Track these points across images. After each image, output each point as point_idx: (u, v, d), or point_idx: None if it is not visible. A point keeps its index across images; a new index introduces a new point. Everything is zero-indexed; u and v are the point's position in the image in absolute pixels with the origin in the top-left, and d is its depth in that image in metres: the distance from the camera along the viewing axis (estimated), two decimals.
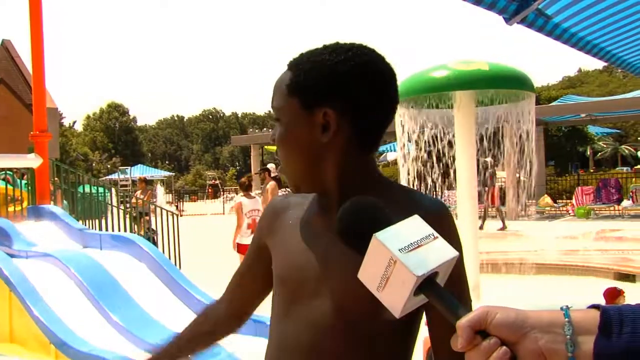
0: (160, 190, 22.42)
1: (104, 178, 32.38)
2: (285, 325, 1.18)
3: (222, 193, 35.27)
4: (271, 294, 1.28)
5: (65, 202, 9.23)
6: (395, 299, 0.78)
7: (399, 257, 0.76)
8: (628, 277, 7.79)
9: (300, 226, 1.21)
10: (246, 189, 8.66)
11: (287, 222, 1.24)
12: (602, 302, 5.35)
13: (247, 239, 7.75)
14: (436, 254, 0.79)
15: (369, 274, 0.80)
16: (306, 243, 1.18)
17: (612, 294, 5.07)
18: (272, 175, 9.93)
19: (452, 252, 0.80)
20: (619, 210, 18.13)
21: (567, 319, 0.71)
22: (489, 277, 7.06)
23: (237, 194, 25.07)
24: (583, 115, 21.88)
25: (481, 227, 11.65)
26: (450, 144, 5.90)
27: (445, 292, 0.78)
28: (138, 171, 33.71)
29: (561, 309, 0.73)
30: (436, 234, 0.81)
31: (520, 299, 5.93)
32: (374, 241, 0.78)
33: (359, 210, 0.86)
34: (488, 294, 5.00)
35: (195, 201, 39.41)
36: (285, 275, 1.20)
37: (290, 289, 1.18)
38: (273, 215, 1.28)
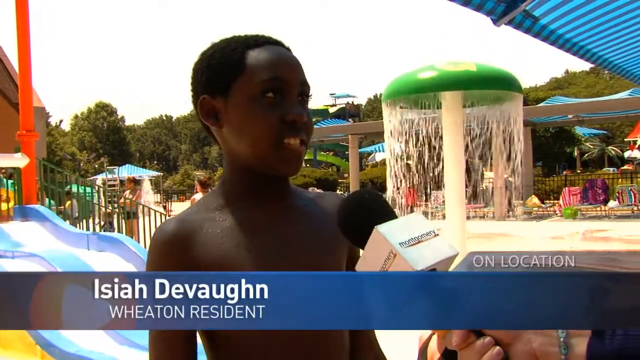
0: (147, 184, 22.29)
1: (91, 178, 32.13)
2: (281, 335, 1.04)
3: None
4: None
5: (52, 201, 9.15)
6: None
7: (399, 250, 0.76)
8: None
9: (244, 232, 1.06)
10: (205, 186, 9.48)
11: (221, 240, 1.05)
12: None
13: None
14: (436, 250, 0.78)
15: (367, 265, 0.79)
16: (269, 243, 1.07)
17: None
18: None
19: (452, 250, 0.80)
20: (605, 210, 18.26)
21: None
22: None
23: None
24: (570, 116, 22.05)
25: None
26: (438, 144, 5.92)
27: None
28: (126, 171, 33.49)
29: None
30: (437, 232, 0.81)
31: None
32: (375, 233, 0.78)
33: (362, 201, 0.85)
34: None
35: (183, 201, 39.27)
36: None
37: None
38: (188, 249, 1.04)
